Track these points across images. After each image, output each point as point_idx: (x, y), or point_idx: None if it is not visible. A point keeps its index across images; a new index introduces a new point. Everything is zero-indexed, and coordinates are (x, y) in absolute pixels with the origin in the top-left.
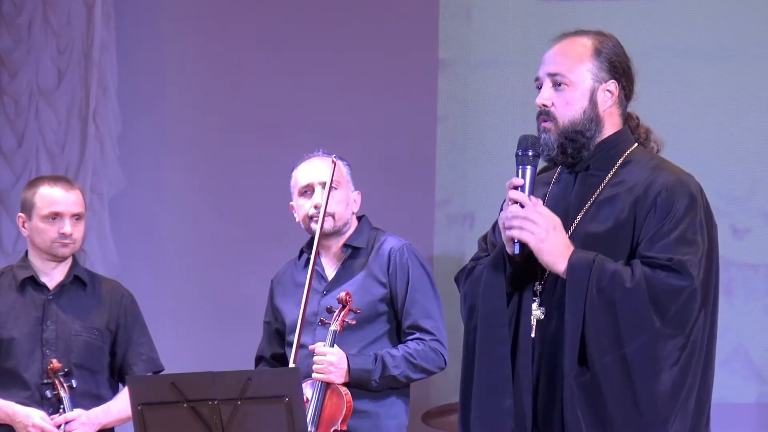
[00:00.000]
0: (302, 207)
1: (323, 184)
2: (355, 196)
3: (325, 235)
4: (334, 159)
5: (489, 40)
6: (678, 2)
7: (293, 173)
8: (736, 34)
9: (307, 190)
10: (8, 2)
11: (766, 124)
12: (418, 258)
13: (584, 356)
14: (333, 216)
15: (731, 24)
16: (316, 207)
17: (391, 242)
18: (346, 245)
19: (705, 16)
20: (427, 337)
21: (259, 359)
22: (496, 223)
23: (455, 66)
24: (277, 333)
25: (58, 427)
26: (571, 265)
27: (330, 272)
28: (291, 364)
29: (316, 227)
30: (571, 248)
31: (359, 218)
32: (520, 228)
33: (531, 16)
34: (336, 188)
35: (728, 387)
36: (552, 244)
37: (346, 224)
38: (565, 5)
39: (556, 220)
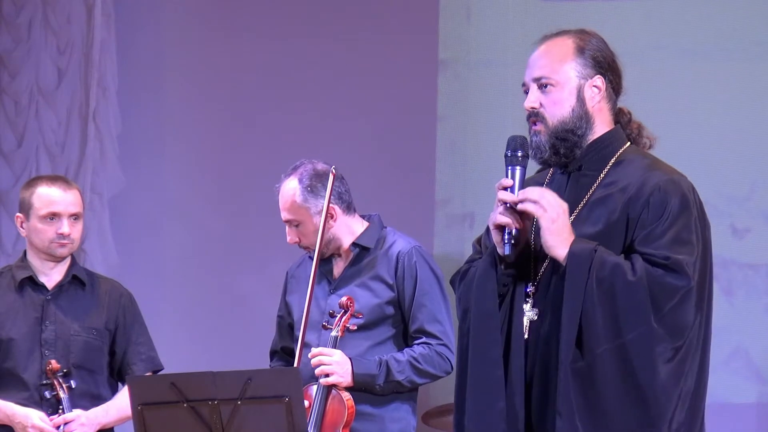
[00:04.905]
0: None
1: (288, 222)
2: (328, 211)
3: (324, 254)
4: (282, 187)
5: (489, 40)
6: (678, 2)
7: None
8: (736, 34)
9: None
10: (8, 2)
11: (766, 124)
12: (427, 260)
13: (579, 345)
14: (309, 247)
15: (731, 24)
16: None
17: (400, 244)
18: (354, 244)
19: (705, 16)
20: (433, 342)
21: (273, 354)
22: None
23: (455, 66)
24: (290, 327)
25: (57, 427)
26: (572, 252)
27: (338, 271)
28: (296, 364)
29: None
30: (573, 236)
31: (371, 217)
32: (535, 203)
33: (531, 16)
34: (297, 225)
35: (728, 387)
36: (560, 226)
37: (330, 242)
38: (565, 5)
39: (565, 205)
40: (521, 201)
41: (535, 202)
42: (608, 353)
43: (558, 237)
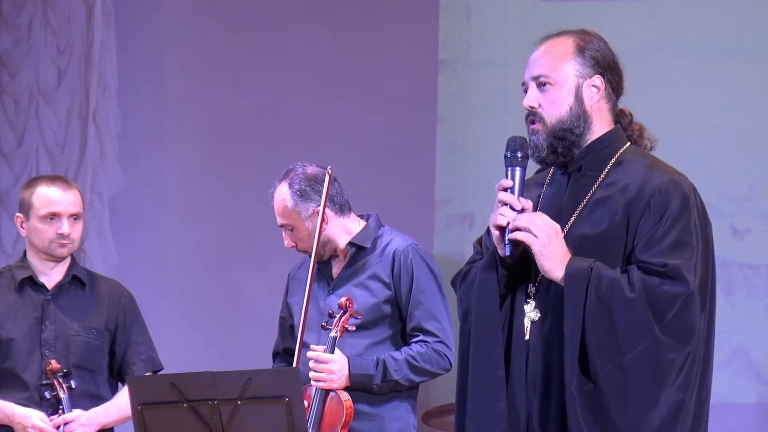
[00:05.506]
0: None
1: (283, 226)
2: (323, 214)
3: (323, 257)
4: (275, 192)
5: (489, 40)
6: (679, 2)
7: None
8: (737, 34)
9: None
10: (8, 2)
11: (766, 124)
12: (424, 258)
13: (584, 364)
14: (306, 251)
15: (732, 24)
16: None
17: (396, 243)
18: (351, 243)
19: (706, 15)
20: (430, 339)
21: (275, 355)
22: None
23: (455, 66)
24: (291, 329)
25: (57, 427)
26: (569, 273)
27: (336, 271)
28: (294, 364)
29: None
30: (569, 256)
31: (368, 217)
32: (526, 230)
33: (531, 16)
34: (291, 230)
35: (728, 387)
36: (553, 249)
37: (326, 244)
38: (565, 5)
39: (557, 227)
40: (511, 231)
41: (525, 230)
42: (614, 371)
43: (552, 260)
